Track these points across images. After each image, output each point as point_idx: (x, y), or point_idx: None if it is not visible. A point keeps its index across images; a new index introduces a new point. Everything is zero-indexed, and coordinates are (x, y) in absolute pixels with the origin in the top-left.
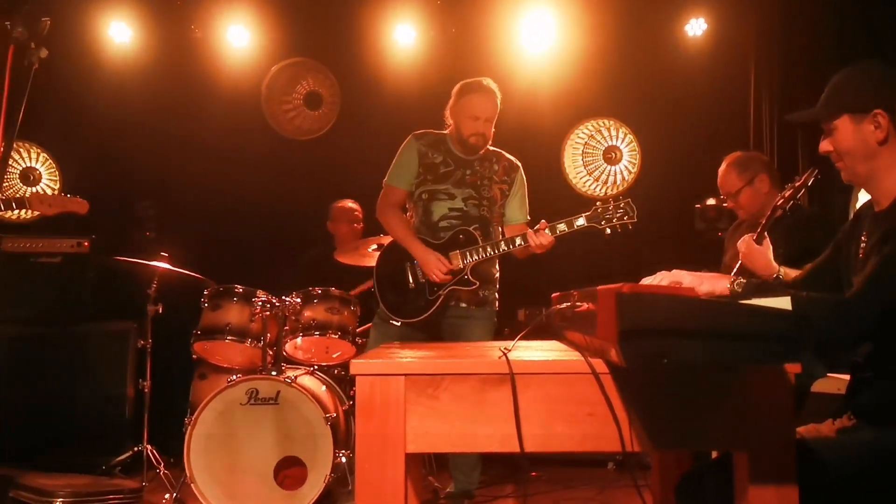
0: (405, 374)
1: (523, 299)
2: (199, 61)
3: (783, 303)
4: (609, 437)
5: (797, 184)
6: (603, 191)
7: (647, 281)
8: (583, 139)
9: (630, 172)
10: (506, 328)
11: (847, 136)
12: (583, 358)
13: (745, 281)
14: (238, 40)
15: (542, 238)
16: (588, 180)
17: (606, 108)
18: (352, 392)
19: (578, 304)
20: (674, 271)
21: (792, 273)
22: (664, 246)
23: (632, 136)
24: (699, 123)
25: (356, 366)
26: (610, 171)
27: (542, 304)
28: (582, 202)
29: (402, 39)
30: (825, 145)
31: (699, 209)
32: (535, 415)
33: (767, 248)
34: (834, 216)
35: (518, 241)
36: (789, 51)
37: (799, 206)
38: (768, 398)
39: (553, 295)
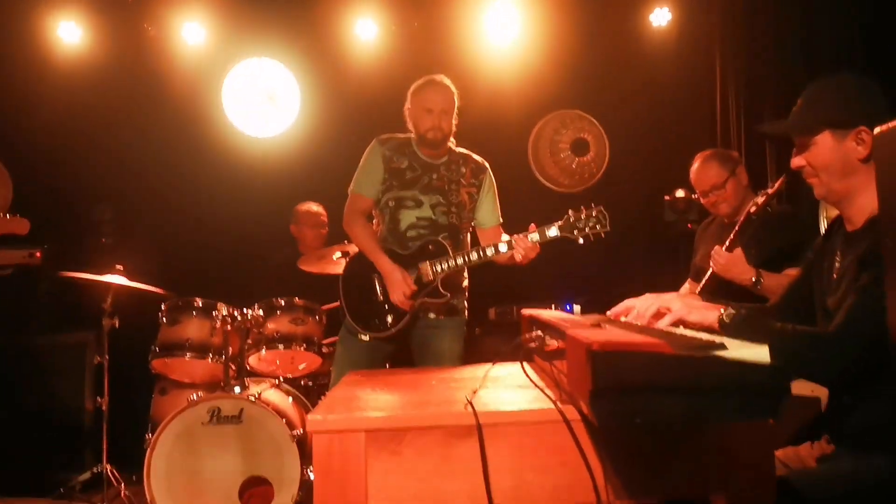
0: (365, 430)
1: (493, 298)
2: (154, 60)
3: (762, 353)
4: (583, 488)
5: (770, 191)
6: (571, 184)
7: (632, 303)
8: (550, 132)
9: (599, 164)
10: (476, 328)
11: (826, 151)
12: (553, 405)
13: (733, 312)
14: (193, 38)
15: (524, 243)
16: (556, 173)
17: (573, 100)
18: (321, 400)
19: (548, 342)
20: (663, 297)
21: (770, 277)
22: (635, 237)
23: (599, 128)
24: (666, 113)
25: (312, 423)
26: (578, 162)
27: (511, 303)
28: (551, 196)
29: (364, 34)
30: (799, 160)
31: (669, 201)
32: (505, 466)
33: (740, 253)
34: (803, 211)
35: (490, 251)
36: (754, 38)
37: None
38: (747, 447)
39: (522, 312)
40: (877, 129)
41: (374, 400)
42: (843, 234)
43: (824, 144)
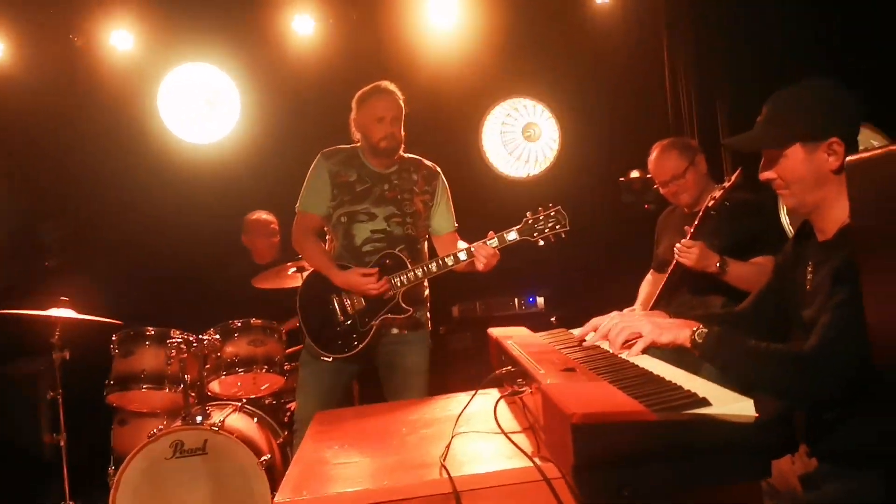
0: None
1: (456, 295)
2: (84, 71)
3: (746, 406)
4: None
5: (727, 185)
6: (525, 171)
7: (599, 323)
8: (500, 119)
9: (551, 150)
10: (441, 327)
11: (798, 164)
12: (532, 463)
13: (705, 331)
14: (123, 45)
15: (485, 250)
16: (510, 160)
17: (521, 86)
18: (286, 419)
19: (524, 388)
20: (632, 318)
21: (736, 263)
22: (593, 222)
23: (549, 112)
24: (616, 94)
25: None
26: (531, 149)
27: (474, 299)
28: (506, 184)
29: (302, 30)
30: (769, 174)
31: (624, 182)
32: None
33: (702, 247)
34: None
35: (449, 260)
36: (701, 11)
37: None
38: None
39: (489, 332)
40: (848, 158)
41: (344, 468)
42: (815, 244)
43: (795, 157)
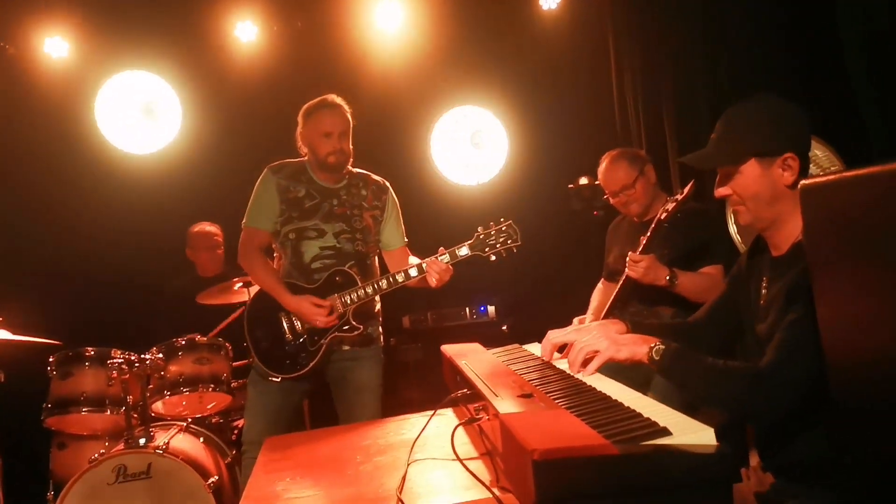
0: None
1: (406, 306)
2: (18, 80)
3: (706, 436)
4: None
5: (680, 197)
6: (475, 179)
7: (556, 336)
8: (448, 127)
9: (500, 156)
10: (391, 338)
11: (753, 180)
12: (491, 495)
13: (662, 347)
14: (58, 52)
15: (437, 266)
16: (459, 168)
17: (469, 93)
18: (234, 437)
19: (481, 416)
20: (590, 334)
21: (687, 275)
22: (543, 229)
23: (497, 119)
24: (564, 100)
25: None
26: (479, 156)
27: (425, 309)
28: (456, 192)
29: (244, 36)
30: (725, 190)
31: (573, 189)
32: None
33: (653, 260)
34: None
35: (400, 277)
36: (647, 15)
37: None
38: None
39: (442, 350)
40: (802, 183)
41: (297, 502)
42: (769, 259)
43: (751, 173)
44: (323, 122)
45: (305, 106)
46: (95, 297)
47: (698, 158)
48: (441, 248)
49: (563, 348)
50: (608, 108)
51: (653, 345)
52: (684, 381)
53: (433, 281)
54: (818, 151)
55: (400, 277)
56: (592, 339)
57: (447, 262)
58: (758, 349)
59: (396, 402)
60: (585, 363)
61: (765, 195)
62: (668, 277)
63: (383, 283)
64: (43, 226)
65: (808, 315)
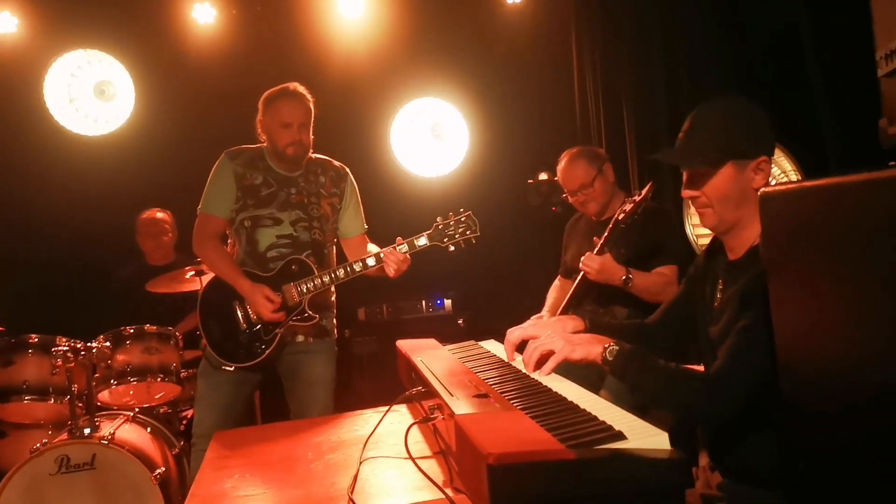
0: None
1: (362, 298)
2: None
3: (661, 440)
4: None
5: (638, 199)
6: (434, 171)
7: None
8: (409, 117)
9: (460, 149)
10: (346, 330)
11: (726, 182)
12: (444, 496)
13: (616, 349)
14: (6, 27)
15: (395, 256)
16: (418, 160)
17: (431, 85)
18: (182, 427)
19: (436, 416)
20: (545, 333)
21: (641, 275)
22: (500, 223)
23: (458, 112)
24: (525, 95)
25: None
26: (439, 148)
27: (381, 301)
28: (415, 183)
29: (202, 18)
30: (693, 192)
31: (532, 184)
32: None
33: (609, 260)
34: (667, 206)
35: (357, 266)
36: (610, 12)
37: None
38: None
39: (398, 345)
40: (762, 190)
41: (245, 500)
42: (725, 263)
43: (726, 176)
44: (283, 111)
45: (267, 93)
46: (41, 282)
47: (673, 157)
48: (399, 237)
49: (523, 346)
50: (569, 103)
51: (607, 345)
52: (635, 384)
53: (391, 271)
54: (785, 163)
55: (357, 267)
56: (547, 339)
57: (405, 252)
58: (709, 351)
59: (349, 395)
60: (540, 363)
61: (733, 198)
62: (623, 278)
63: (340, 273)
64: None
65: (759, 321)
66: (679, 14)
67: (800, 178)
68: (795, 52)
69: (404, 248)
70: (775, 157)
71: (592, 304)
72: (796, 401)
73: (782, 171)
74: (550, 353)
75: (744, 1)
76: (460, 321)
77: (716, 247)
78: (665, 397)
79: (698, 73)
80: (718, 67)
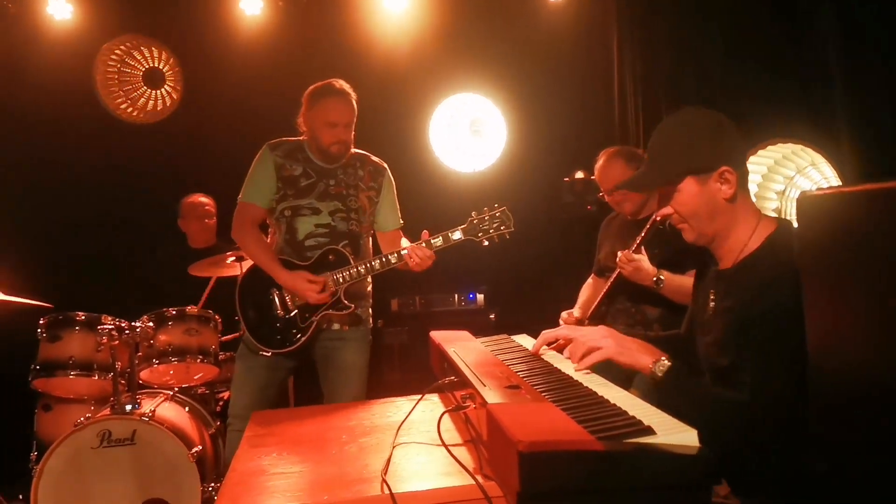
0: None
1: (395, 289)
2: (17, 40)
3: (689, 437)
4: None
5: None
6: (471, 166)
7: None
8: (448, 113)
9: (498, 145)
10: (379, 320)
11: (691, 197)
12: (475, 482)
13: (668, 364)
14: (60, 14)
15: (421, 252)
16: (456, 155)
17: (471, 80)
18: (218, 408)
19: (468, 404)
20: (594, 333)
21: (674, 277)
22: (535, 220)
23: (497, 108)
24: (565, 93)
25: None
26: (476, 144)
27: (413, 293)
28: (452, 178)
29: (249, 10)
30: (666, 210)
31: (568, 183)
32: None
33: (643, 257)
34: None
35: (393, 258)
36: (652, 12)
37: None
38: None
39: (431, 336)
40: (800, 193)
41: (282, 477)
42: (715, 272)
43: (688, 191)
44: (329, 111)
45: (311, 89)
46: (88, 262)
47: (635, 182)
48: (425, 231)
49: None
50: (608, 103)
51: (657, 359)
52: (677, 406)
53: (412, 263)
54: (805, 154)
55: (393, 258)
56: (597, 335)
57: (440, 245)
58: (706, 362)
59: (379, 383)
60: (584, 356)
61: (704, 211)
62: (654, 279)
63: (376, 264)
64: (40, 189)
65: (775, 336)
66: (719, 15)
67: (839, 183)
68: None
69: (439, 241)
70: (817, 162)
71: (625, 303)
72: (826, 404)
73: (823, 176)
74: (596, 349)
75: (784, 2)
76: (492, 315)
77: (707, 256)
78: (702, 423)
79: (737, 74)
80: (758, 70)
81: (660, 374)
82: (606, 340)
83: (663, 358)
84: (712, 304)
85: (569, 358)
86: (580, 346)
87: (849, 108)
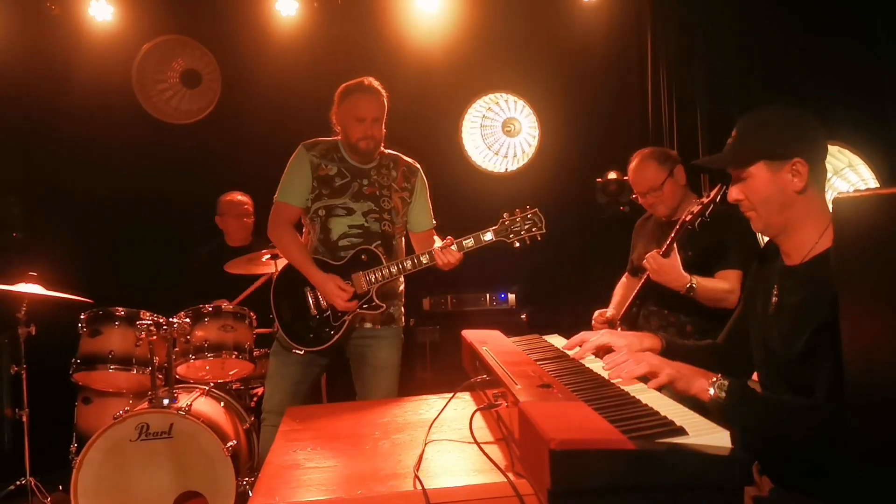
0: None
1: (427, 288)
2: (59, 41)
3: (722, 438)
4: None
5: (706, 200)
6: (503, 166)
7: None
8: (480, 113)
9: (530, 145)
10: (411, 319)
11: (763, 184)
12: (506, 479)
13: (726, 382)
14: (101, 15)
15: (450, 255)
16: (488, 155)
17: (503, 80)
18: (252, 404)
19: (500, 402)
20: (621, 341)
21: (705, 282)
22: (567, 221)
23: (529, 108)
24: (598, 93)
25: None
26: (510, 144)
27: (445, 292)
28: (483, 178)
29: (285, 11)
30: (736, 193)
31: (601, 183)
32: None
33: (676, 260)
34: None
35: (424, 258)
36: (686, 14)
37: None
38: None
39: (463, 334)
40: (836, 194)
41: (317, 471)
42: (781, 268)
43: (760, 177)
44: (358, 106)
45: (343, 86)
46: (127, 258)
47: (712, 160)
48: (449, 237)
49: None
50: (641, 103)
51: (714, 380)
52: (747, 423)
53: (440, 261)
54: (842, 155)
55: (424, 259)
56: (650, 358)
57: (470, 246)
58: (769, 362)
59: (410, 382)
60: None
61: (774, 200)
62: (686, 286)
63: (408, 264)
64: (80, 187)
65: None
66: (754, 16)
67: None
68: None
69: (470, 242)
70: (854, 163)
71: (655, 306)
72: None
73: (861, 178)
74: (652, 373)
75: (820, 2)
76: (523, 316)
77: (770, 252)
78: (783, 433)
79: (772, 75)
80: (793, 71)
81: (723, 395)
82: (663, 366)
83: (718, 378)
84: (775, 299)
85: (608, 368)
86: (635, 367)
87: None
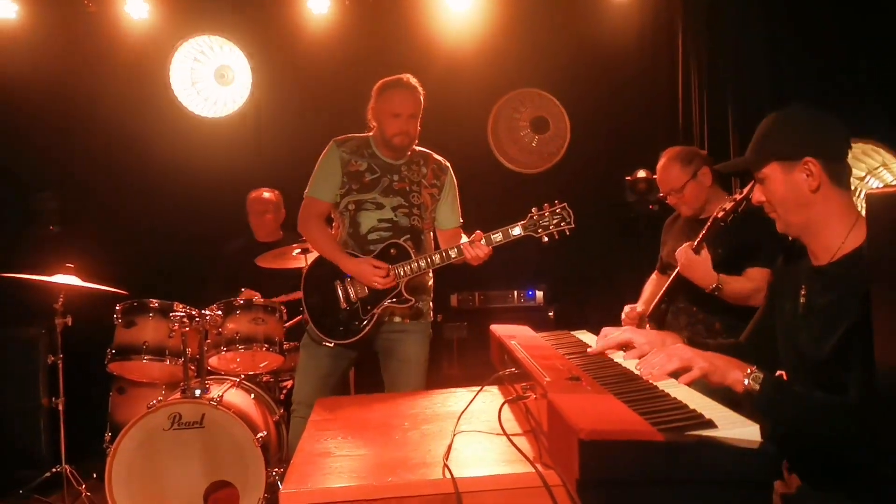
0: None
1: (455, 285)
2: (96, 38)
3: (752, 431)
4: None
5: (738, 197)
6: (532, 164)
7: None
8: (509, 110)
9: (560, 144)
10: (438, 315)
11: (778, 185)
12: (534, 470)
13: (761, 375)
14: (137, 13)
15: (479, 250)
16: (516, 152)
17: (532, 78)
18: (282, 396)
19: (528, 395)
20: (642, 339)
21: (732, 281)
22: (596, 218)
23: (560, 106)
24: (628, 91)
25: (286, 497)
26: (539, 141)
27: (473, 289)
28: (511, 176)
29: (317, 9)
30: (758, 195)
31: (630, 182)
32: None
33: (706, 257)
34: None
35: (453, 252)
36: (717, 13)
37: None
38: None
39: (491, 329)
40: (868, 191)
41: (348, 459)
42: (808, 268)
43: (775, 178)
44: (394, 101)
45: (381, 82)
46: (161, 252)
47: (730, 164)
48: (478, 231)
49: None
50: (672, 102)
51: (749, 371)
52: (782, 416)
53: (469, 255)
54: (876, 154)
55: (453, 253)
56: (683, 352)
57: (499, 241)
58: (797, 362)
59: (438, 377)
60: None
61: (790, 200)
62: (713, 287)
63: (436, 258)
64: (116, 181)
65: None
66: (788, 12)
67: None
68: None
69: (498, 237)
70: (889, 162)
71: (684, 303)
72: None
73: (894, 176)
74: (684, 367)
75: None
76: (550, 313)
77: (795, 251)
78: (815, 429)
79: (804, 74)
80: (825, 69)
81: (758, 387)
82: (696, 359)
83: (753, 370)
84: (803, 300)
85: (640, 367)
86: (667, 362)
87: None
